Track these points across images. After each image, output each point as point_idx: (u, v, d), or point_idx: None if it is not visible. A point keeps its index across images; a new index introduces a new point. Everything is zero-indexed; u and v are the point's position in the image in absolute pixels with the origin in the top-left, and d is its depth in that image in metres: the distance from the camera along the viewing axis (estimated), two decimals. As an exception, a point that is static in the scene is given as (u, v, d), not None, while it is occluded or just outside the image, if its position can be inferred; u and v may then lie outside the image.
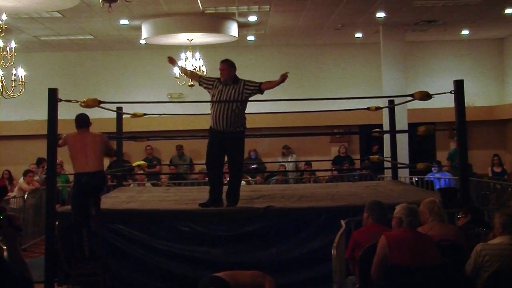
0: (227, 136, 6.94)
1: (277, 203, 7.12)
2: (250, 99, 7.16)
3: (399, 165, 10.06)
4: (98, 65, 15.94)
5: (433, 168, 11.58)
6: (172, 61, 7.71)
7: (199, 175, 13.03)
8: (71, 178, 12.18)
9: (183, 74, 7.38)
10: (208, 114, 7.13)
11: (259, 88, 7.02)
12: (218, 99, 6.99)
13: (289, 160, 14.77)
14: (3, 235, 3.93)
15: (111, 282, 6.59)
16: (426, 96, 7.60)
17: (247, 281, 5.32)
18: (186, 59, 12.99)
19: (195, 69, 12.95)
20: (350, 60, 16.12)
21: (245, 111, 7.11)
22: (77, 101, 7.12)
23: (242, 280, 5.32)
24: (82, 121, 6.77)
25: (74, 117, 6.84)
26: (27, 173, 11.75)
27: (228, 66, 7.13)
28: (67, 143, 6.72)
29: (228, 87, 7.01)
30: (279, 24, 13.22)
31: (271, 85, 7.02)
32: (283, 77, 6.90)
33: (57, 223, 6.64)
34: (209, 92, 7.21)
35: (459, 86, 7.07)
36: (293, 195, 7.75)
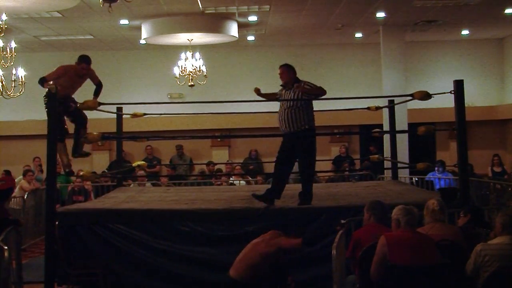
0: (293, 136, 7.05)
1: (277, 203, 7.12)
2: (254, 99, 7.23)
3: (399, 165, 10.06)
4: (98, 65, 15.84)
5: (436, 168, 11.56)
6: (258, 92, 7.60)
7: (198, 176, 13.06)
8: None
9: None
10: (207, 114, 7.16)
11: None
12: (281, 104, 7.11)
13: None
14: None
15: (111, 282, 6.60)
16: (426, 96, 7.61)
17: (262, 261, 5.36)
18: (186, 59, 12.99)
19: (195, 69, 12.95)
20: (350, 60, 16.11)
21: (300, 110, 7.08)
22: (77, 102, 7.13)
23: (256, 266, 5.37)
24: None
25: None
26: (26, 173, 11.73)
27: (286, 69, 7.25)
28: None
29: (289, 91, 7.13)
30: (279, 24, 13.22)
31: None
32: None
33: (57, 223, 6.65)
34: None
35: (459, 86, 7.07)
36: (293, 195, 7.74)
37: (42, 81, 7.80)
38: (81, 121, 8.15)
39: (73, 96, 8.09)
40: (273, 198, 7.07)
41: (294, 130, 7.03)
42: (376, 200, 5.78)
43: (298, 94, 7.08)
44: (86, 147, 13.63)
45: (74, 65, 8.09)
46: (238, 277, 5.43)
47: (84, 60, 8.10)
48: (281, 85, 7.30)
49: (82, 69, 8.04)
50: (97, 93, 8.22)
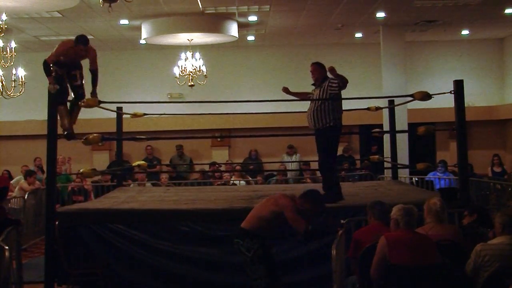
0: (318, 132, 7.23)
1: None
2: (254, 99, 7.23)
3: (399, 165, 10.06)
4: (98, 65, 15.90)
5: (438, 168, 11.56)
6: (286, 90, 7.67)
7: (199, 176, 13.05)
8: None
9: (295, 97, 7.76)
10: (207, 114, 7.15)
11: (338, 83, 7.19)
12: (311, 102, 7.26)
13: (293, 159, 14.72)
14: None
15: (111, 282, 6.60)
16: (426, 96, 7.61)
17: (270, 218, 5.41)
18: (186, 59, 12.98)
19: (195, 69, 12.95)
20: (350, 60, 16.10)
21: (331, 107, 7.26)
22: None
23: (265, 219, 5.40)
24: None
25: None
26: (31, 174, 11.67)
27: (317, 67, 7.34)
28: None
29: (318, 88, 7.26)
30: (279, 24, 13.22)
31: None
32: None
33: (57, 223, 6.65)
34: None
35: (459, 86, 7.08)
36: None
37: (46, 69, 7.69)
38: (79, 96, 7.91)
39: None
40: (337, 197, 7.17)
41: (319, 127, 7.16)
42: (377, 200, 5.78)
43: (326, 91, 7.17)
44: (87, 148, 13.71)
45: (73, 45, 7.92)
46: (248, 227, 5.49)
47: (80, 41, 7.90)
48: (312, 84, 7.38)
49: (80, 50, 7.94)
50: (94, 82, 8.03)
